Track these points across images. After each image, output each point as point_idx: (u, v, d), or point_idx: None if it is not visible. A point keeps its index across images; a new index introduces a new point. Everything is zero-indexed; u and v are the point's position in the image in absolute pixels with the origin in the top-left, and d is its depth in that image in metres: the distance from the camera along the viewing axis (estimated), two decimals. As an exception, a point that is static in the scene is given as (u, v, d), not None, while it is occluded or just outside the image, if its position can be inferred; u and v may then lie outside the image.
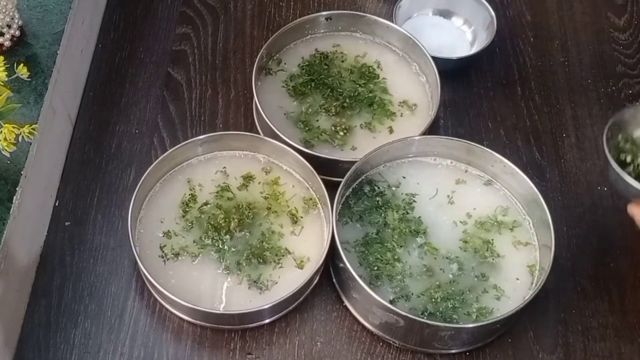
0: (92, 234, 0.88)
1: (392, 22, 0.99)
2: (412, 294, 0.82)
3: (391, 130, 0.94)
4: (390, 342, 0.82)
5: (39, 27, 0.90)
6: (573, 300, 0.86)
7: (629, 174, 0.77)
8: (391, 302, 0.81)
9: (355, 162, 0.86)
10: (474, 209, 0.88)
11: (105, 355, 0.81)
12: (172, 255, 0.84)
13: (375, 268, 0.83)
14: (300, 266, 0.84)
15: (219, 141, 0.90)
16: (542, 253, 0.85)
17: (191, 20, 1.06)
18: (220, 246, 0.84)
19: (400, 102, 0.96)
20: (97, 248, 0.87)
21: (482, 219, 0.87)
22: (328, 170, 0.88)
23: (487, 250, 0.85)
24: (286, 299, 0.80)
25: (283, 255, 0.84)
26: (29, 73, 0.79)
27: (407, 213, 0.87)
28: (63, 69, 0.89)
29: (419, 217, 0.87)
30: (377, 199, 0.88)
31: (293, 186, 0.89)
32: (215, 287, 0.82)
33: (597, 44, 1.06)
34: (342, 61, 0.99)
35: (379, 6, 1.08)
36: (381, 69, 0.98)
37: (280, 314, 0.83)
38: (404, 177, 0.90)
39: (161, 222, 0.86)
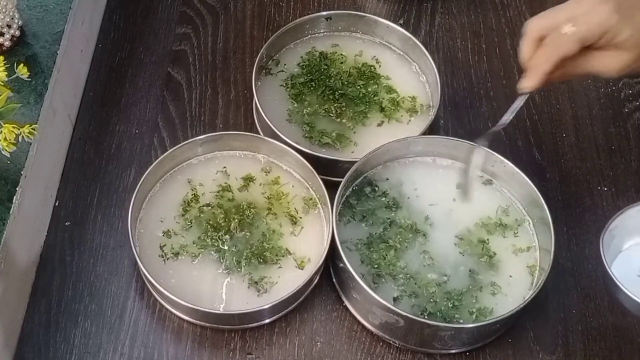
0: (92, 234, 0.88)
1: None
2: (413, 293, 0.82)
3: (390, 129, 0.94)
4: (390, 342, 0.82)
5: (39, 27, 0.90)
6: (573, 300, 0.86)
7: None
8: (395, 299, 0.81)
9: (355, 162, 0.86)
10: (474, 209, 0.88)
11: (105, 355, 0.81)
12: (172, 255, 0.84)
13: (376, 266, 0.83)
14: (301, 266, 0.84)
15: (219, 141, 0.90)
16: (542, 253, 0.85)
17: (191, 20, 1.06)
18: (220, 246, 0.84)
19: (401, 100, 0.96)
20: (97, 248, 0.87)
21: (483, 220, 0.87)
22: (328, 170, 0.88)
23: (487, 251, 0.85)
24: (286, 299, 0.80)
25: (283, 256, 0.84)
26: (29, 73, 0.79)
27: (409, 212, 0.87)
28: (63, 69, 0.89)
29: (421, 216, 0.87)
30: (378, 198, 0.88)
31: (293, 186, 0.89)
32: (215, 287, 0.82)
33: (597, 44, 1.06)
34: (342, 62, 0.99)
35: (379, 6, 1.08)
36: (381, 69, 0.98)
37: (281, 314, 0.83)
38: (403, 178, 0.90)
39: (161, 222, 0.86)
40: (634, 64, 0.71)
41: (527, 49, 0.73)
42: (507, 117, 0.79)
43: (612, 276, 0.79)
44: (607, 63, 0.70)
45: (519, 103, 0.77)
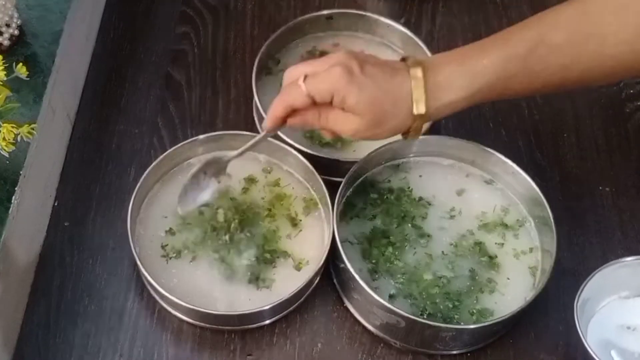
0: (91, 234, 0.88)
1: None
2: (410, 293, 0.82)
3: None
4: (391, 342, 0.82)
5: (38, 26, 0.89)
6: (574, 300, 0.86)
7: None
8: (391, 296, 0.81)
9: (356, 162, 0.86)
10: (475, 209, 0.88)
11: (105, 356, 0.80)
12: (171, 256, 0.84)
13: (374, 261, 0.83)
14: (301, 267, 0.84)
15: (219, 141, 0.90)
16: (543, 254, 0.85)
17: (191, 20, 1.06)
18: (221, 247, 0.84)
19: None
20: (96, 248, 0.87)
21: (485, 220, 0.87)
22: (328, 170, 0.88)
23: (488, 252, 0.85)
24: (287, 300, 0.80)
25: (284, 256, 0.84)
26: (28, 72, 0.79)
27: (409, 212, 0.87)
28: (62, 68, 0.89)
29: (421, 216, 0.87)
30: (381, 197, 0.88)
31: (293, 187, 0.89)
32: (215, 288, 0.82)
33: (597, 44, 1.06)
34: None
35: (380, 5, 1.08)
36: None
37: (281, 315, 0.83)
38: (404, 177, 0.90)
39: (161, 222, 0.86)
40: (367, 130, 0.72)
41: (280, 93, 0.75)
42: (239, 152, 0.80)
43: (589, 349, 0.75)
44: (341, 123, 0.72)
45: (257, 139, 0.79)
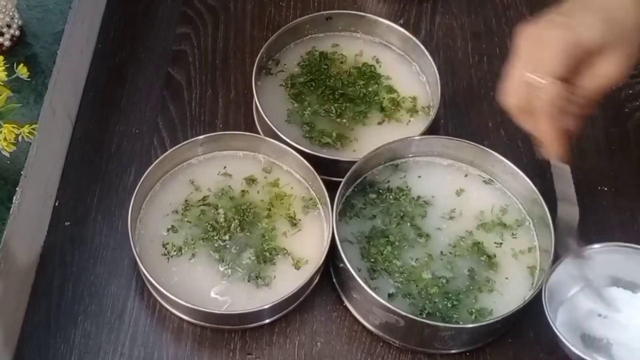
0: (92, 234, 0.88)
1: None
2: (409, 293, 0.82)
3: (390, 129, 0.94)
4: (391, 342, 0.82)
5: (38, 27, 0.90)
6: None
7: None
8: (390, 296, 0.81)
9: (355, 162, 0.86)
10: (474, 209, 0.88)
11: (105, 356, 0.81)
12: (171, 256, 0.84)
13: (372, 260, 0.83)
14: (300, 266, 0.84)
15: (219, 141, 0.90)
16: (542, 254, 0.85)
17: (191, 20, 1.06)
18: (221, 246, 0.84)
19: (402, 100, 0.96)
20: (97, 248, 0.87)
21: (484, 220, 0.87)
22: (328, 170, 0.88)
23: (487, 251, 0.85)
24: (286, 299, 0.80)
25: (283, 256, 0.84)
26: (28, 73, 0.79)
27: (409, 211, 0.87)
28: (63, 69, 0.89)
29: (420, 215, 0.87)
30: (380, 197, 0.88)
31: (292, 188, 0.89)
32: (215, 287, 0.82)
33: (597, 44, 1.06)
34: (342, 62, 0.99)
35: (379, 6, 1.08)
36: (381, 69, 0.98)
37: (281, 314, 0.83)
38: (404, 177, 0.90)
39: (161, 222, 0.86)
40: (624, 48, 0.65)
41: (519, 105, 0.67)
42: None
43: (557, 332, 0.76)
44: (601, 70, 0.66)
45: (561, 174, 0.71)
